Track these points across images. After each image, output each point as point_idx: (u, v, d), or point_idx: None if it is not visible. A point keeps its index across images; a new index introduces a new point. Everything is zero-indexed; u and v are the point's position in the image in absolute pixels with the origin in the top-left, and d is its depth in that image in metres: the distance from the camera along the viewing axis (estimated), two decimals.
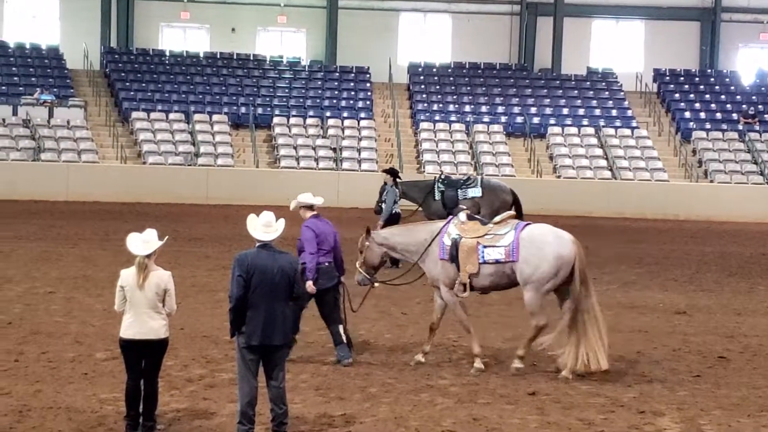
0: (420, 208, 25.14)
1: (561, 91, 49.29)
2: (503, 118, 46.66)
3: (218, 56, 49.09)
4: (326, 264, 13.83)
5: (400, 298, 19.39)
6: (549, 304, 13.92)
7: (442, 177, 25.90)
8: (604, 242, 30.22)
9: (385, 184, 24.08)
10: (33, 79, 45.54)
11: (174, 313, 10.78)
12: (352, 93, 47.84)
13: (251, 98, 46.18)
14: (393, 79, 48.52)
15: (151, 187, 38.85)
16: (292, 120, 44.91)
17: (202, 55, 49.25)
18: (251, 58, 49.31)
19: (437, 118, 46.44)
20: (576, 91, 49.29)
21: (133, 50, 49.06)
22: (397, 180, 24.44)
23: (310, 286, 13.54)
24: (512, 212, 15.64)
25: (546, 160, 44.31)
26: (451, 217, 14.71)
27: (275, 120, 44.64)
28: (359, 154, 43.27)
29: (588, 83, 50.02)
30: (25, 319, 16.03)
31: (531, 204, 39.65)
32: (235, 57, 49.00)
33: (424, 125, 45.62)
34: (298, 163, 42.09)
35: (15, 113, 42.32)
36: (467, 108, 47.50)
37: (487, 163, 42.95)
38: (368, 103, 47.09)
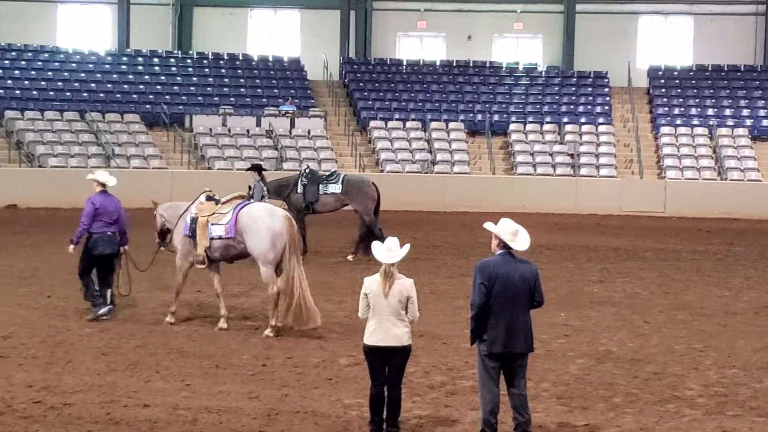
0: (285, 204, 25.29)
1: None
2: (748, 121, 45.19)
3: (454, 64, 49.41)
4: (109, 233, 16.54)
5: (641, 306, 19.00)
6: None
7: (307, 171, 26.27)
8: None
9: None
10: (275, 90, 46.89)
11: (416, 320, 10.84)
12: (590, 98, 47.26)
13: (487, 105, 46.26)
14: (632, 83, 47.66)
15: (389, 195, 38.97)
16: (529, 126, 44.72)
17: (438, 63, 49.68)
18: (487, 65, 49.44)
19: (678, 122, 45.34)
20: None
21: (371, 60, 49.93)
22: (263, 174, 25.44)
23: (71, 248, 16.38)
24: (240, 192, 17.10)
25: None
26: (196, 197, 16.27)
27: (511, 126, 44.56)
28: (597, 160, 42.66)
29: None
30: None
31: None
32: (471, 64, 49.22)
33: (664, 129, 44.60)
34: (535, 170, 41.83)
35: (258, 124, 43.65)
36: (710, 111, 46.21)
37: (731, 168, 41.64)
38: (606, 108, 46.42)
